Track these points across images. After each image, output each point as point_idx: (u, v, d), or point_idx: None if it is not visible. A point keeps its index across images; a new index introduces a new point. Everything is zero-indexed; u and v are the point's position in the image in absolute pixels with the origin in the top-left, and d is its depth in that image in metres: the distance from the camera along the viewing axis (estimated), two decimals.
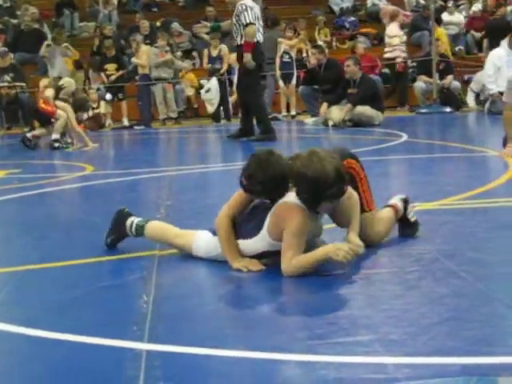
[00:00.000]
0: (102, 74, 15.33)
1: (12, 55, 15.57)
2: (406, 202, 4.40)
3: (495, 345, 2.68)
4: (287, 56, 14.87)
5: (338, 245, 3.65)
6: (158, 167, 8.45)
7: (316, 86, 13.75)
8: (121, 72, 15.33)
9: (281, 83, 14.85)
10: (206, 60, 15.45)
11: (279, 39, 15.02)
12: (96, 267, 4.14)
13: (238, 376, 2.56)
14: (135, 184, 7.34)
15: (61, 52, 15.25)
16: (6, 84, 14.52)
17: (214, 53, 15.16)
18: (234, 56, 12.44)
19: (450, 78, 14.36)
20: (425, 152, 8.99)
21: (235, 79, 12.40)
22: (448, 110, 14.08)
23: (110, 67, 15.40)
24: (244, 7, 10.24)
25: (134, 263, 4.12)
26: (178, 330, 3.03)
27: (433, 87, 14.36)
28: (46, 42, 15.88)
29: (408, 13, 17.59)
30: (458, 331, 2.84)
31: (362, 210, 4.06)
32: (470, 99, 14.45)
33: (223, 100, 14.74)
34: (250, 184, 3.81)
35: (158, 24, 17.37)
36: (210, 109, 14.71)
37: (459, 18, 17.22)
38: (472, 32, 16.83)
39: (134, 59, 15.20)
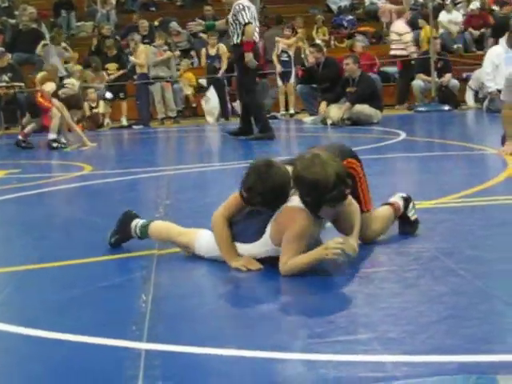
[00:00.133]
0: (104, 73, 15.34)
1: (10, 55, 15.55)
2: (406, 200, 4.40)
3: (494, 343, 2.69)
4: (285, 55, 14.87)
5: (326, 244, 3.64)
6: (156, 166, 8.44)
7: (314, 85, 13.75)
8: (122, 71, 15.34)
9: (279, 82, 14.87)
10: (203, 59, 15.44)
11: (276, 38, 15.03)
12: (95, 267, 4.14)
13: (237, 375, 2.56)
14: (134, 183, 7.34)
15: (57, 52, 15.23)
16: (4, 84, 14.51)
17: (212, 51, 15.16)
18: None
19: (448, 76, 14.35)
20: (423, 150, 8.97)
21: None
22: (446, 108, 14.07)
23: (111, 66, 15.41)
24: (241, 7, 10.24)
25: (134, 263, 4.12)
26: (178, 329, 3.04)
27: (431, 85, 14.37)
28: (43, 42, 15.86)
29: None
30: (457, 329, 2.84)
31: (361, 211, 4.05)
32: (469, 97, 14.45)
33: (221, 99, 14.72)
34: (250, 197, 3.79)
35: (156, 23, 17.39)
36: (211, 120, 14.56)
37: (457, 15, 17.21)
38: (470, 30, 16.82)
39: (132, 58, 15.20)
